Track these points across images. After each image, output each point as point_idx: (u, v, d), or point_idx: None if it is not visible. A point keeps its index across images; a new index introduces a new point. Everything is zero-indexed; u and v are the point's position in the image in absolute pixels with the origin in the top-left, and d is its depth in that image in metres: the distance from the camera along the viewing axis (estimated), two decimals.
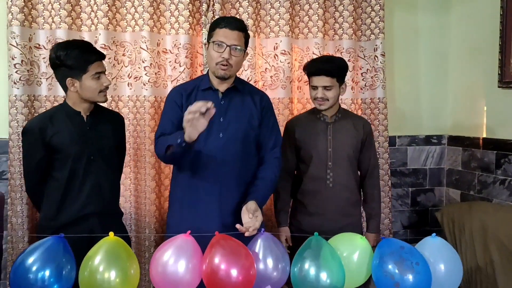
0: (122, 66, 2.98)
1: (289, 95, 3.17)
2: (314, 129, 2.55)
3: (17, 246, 2.79)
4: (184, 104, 2.15)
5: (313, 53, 3.15)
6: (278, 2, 3.12)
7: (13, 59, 2.75)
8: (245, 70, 3.08)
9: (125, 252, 1.69)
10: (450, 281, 1.81)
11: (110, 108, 2.88)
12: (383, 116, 3.33)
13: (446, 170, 3.70)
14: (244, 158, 2.18)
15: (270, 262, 1.77)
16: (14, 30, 2.73)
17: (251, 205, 2.02)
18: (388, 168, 3.37)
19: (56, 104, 2.76)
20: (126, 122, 2.95)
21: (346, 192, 2.54)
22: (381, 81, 3.32)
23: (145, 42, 2.93)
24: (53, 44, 2.18)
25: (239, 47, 2.11)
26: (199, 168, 2.14)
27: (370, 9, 3.30)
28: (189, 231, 1.73)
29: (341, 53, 3.26)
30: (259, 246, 1.80)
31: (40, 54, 2.83)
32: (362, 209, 2.71)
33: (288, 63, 3.15)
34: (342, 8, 3.24)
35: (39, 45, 2.83)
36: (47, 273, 1.58)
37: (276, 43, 3.16)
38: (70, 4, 2.83)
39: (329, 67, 2.45)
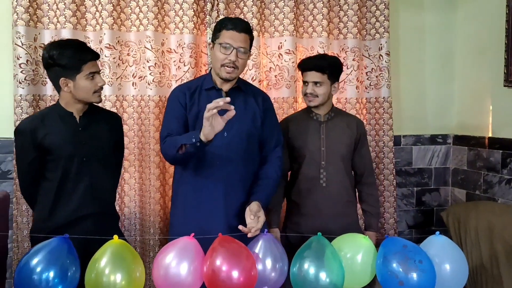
0: (127, 66, 2.98)
1: (293, 95, 3.17)
2: (307, 128, 2.54)
3: (22, 245, 2.81)
4: (188, 103, 2.16)
5: (318, 52, 3.13)
6: (283, 1, 3.12)
7: (18, 59, 2.76)
8: (250, 70, 3.08)
9: (130, 254, 1.70)
10: (455, 279, 1.80)
11: (112, 108, 2.90)
12: (388, 115, 3.32)
13: (452, 170, 3.69)
14: (248, 157, 2.19)
15: (269, 263, 1.78)
16: (19, 30, 2.75)
17: (253, 206, 2.02)
18: (393, 168, 3.35)
19: None
20: (131, 121, 2.97)
21: (341, 191, 2.51)
22: (386, 80, 3.30)
23: (150, 42, 2.93)
24: (45, 45, 2.13)
25: (245, 50, 2.11)
26: (204, 167, 2.14)
27: (375, 8, 3.29)
28: (192, 234, 1.73)
29: (345, 52, 3.25)
30: (259, 247, 1.81)
31: None
32: (359, 209, 2.69)
33: (293, 62, 3.14)
34: (347, 7, 3.24)
35: (44, 45, 2.83)
36: (51, 274, 1.59)
37: (281, 43, 3.16)
38: (75, 4, 2.84)
39: (320, 63, 2.45)
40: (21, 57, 2.76)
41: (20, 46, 2.75)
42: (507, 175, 3.13)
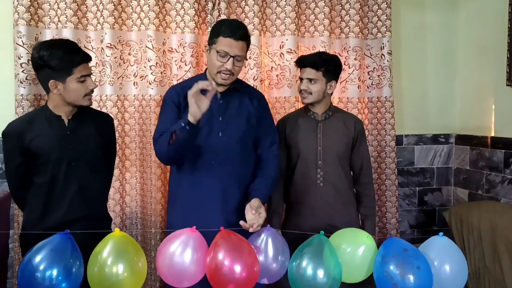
0: (128, 65, 2.98)
1: (295, 94, 3.16)
2: (304, 126, 2.51)
3: None
4: (182, 103, 2.14)
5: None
6: (284, 0, 3.11)
7: (19, 58, 2.76)
8: (251, 69, 3.08)
9: (132, 246, 1.70)
10: (455, 281, 1.79)
11: (114, 107, 2.90)
12: (390, 115, 3.31)
13: (454, 170, 3.67)
14: (244, 156, 2.19)
15: (270, 254, 1.82)
16: (21, 30, 2.74)
17: (254, 202, 2.02)
18: (395, 167, 3.34)
19: None
20: (132, 121, 2.97)
21: (338, 191, 2.48)
22: (388, 79, 3.29)
23: (151, 41, 2.93)
24: (35, 43, 2.05)
25: (242, 57, 2.10)
26: (200, 168, 2.14)
27: (377, 7, 3.28)
28: (194, 227, 1.74)
29: (347, 51, 3.24)
30: (262, 239, 1.85)
31: None
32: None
33: (294, 61, 3.12)
34: (349, 6, 3.23)
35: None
36: (54, 272, 1.58)
37: (282, 42, 3.15)
38: (76, 4, 2.84)
39: (314, 60, 2.42)
40: (22, 57, 2.76)
41: (21, 46, 2.74)
42: (509, 174, 3.12)
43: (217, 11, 3.02)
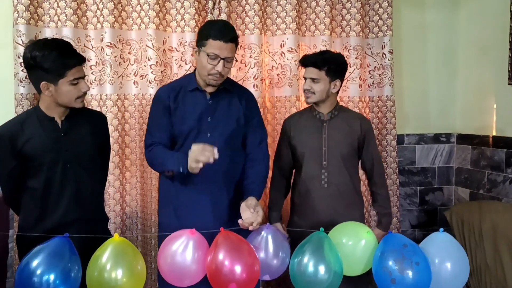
0: (128, 64, 2.97)
1: (296, 93, 3.15)
2: (309, 127, 2.48)
3: None
4: (172, 105, 2.17)
5: (315, 51, 3.12)
6: None
7: (19, 57, 2.74)
8: (252, 68, 3.07)
9: (131, 251, 1.70)
10: (456, 277, 1.78)
11: (114, 107, 2.89)
12: (391, 114, 3.30)
13: (455, 169, 3.66)
14: (232, 155, 2.21)
15: (271, 250, 1.85)
16: (20, 29, 2.73)
17: (251, 200, 2.04)
18: (396, 167, 3.33)
19: None
20: (132, 120, 2.96)
21: (343, 192, 2.44)
22: (389, 78, 3.28)
23: (151, 40, 2.92)
24: (28, 42, 1.98)
25: (232, 58, 2.12)
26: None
27: (378, 6, 3.27)
28: (194, 229, 1.75)
29: (348, 50, 3.23)
30: (262, 236, 1.88)
31: None
32: (366, 211, 2.65)
33: (295, 60, 3.12)
34: (350, 5, 3.22)
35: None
36: (52, 275, 1.57)
37: (283, 41, 3.14)
38: (75, 2, 2.83)
39: (316, 59, 2.40)
40: (21, 56, 2.73)
41: (20, 45, 2.73)
42: (511, 174, 3.11)
43: (218, 10, 3.01)
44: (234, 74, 3.09)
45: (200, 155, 1.89)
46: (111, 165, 2.88)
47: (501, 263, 2.68)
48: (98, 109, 2.88)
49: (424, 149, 3.63)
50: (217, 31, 2.05)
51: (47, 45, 1.94)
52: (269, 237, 1.90)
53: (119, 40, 2.92)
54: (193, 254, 1.71)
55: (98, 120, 2.21)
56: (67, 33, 2.82)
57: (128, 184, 2.99)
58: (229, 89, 2.23)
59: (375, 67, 3.32)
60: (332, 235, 1.88)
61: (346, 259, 1.80)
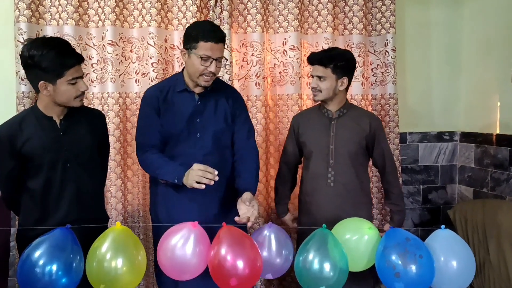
0: (130, 63, 2.96)
1: (298, 91, 3.14)
2: (317, 124, 2.47)
3: None
4: (161, 107, 2.21)
5: (323, 48, 3.09)
6: None
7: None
8: (254, 66, 3.06)
9: (131, 240, 1.69)
10: (463, 274, 1.77)
11: (115, 105, 2.88)
12: (394, 112, 3.29)
13: (459, 167, 3.65)
14: (222, 154, 2.26)
15: (274, 249, 1.84)
16: (21, 27, 2.72)
17: (246, 195, 2.06)
18: (399, 165, 3.32)
19: None
20: (134, 119, 2.95)
21: (348, 192, 2.41)
22: (392, 76, 3.27)
23: (153, 38, 2.91)
24: (26, 40, 1.97)
25: (222, 58, 2.16)
26: None
27: (381, 3, 3.25)
28: (197, 221, 1.75)
29: (351, 48, 3.21)
30: (264, 234, 1.87)
31: None
32: (373, 212, 2.64)
33: (297, 58, 3.11)
34: (352, 2, 3.20)
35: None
36: (54, 267, 1.56)
37: (285, 39, 3.13)
38: (77, 0, 2.82)
39: (322, 57, 2.38)
40: None
41: (22, 43, 2.72)
42: None
43: (219, 7, 2.99)
44: (236, 72, 3.08)
45: (202, 177, 1.94)
46: (112, 164, 2.88)
47: (504, 261, 2.67)
48: (99, 107, 2.87)
49: (427, 147, 3.62)
50: (206, 33, 2.08)
51: (46, 44, 1.91)
52: (272, 236, 1.89)
53: (121, 38, 2.91)
54: (194, 248, 1.71)
55: (97, 118, 2.20)
56: (68, 31, 2.81)
57: (130, 183, 2.99)
58: (216, 89, 2.26)
59: (377, 65, 3.30)
60: (334, 232, 1.88)
61: (349, 254, 1.80)
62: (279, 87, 3.17)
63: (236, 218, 1.96)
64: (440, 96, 3.61)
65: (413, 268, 1.68)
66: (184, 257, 1.71)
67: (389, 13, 3.24)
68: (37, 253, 1.58)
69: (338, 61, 2.36)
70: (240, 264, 1.65)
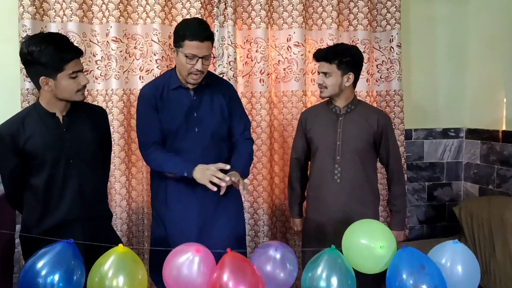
0: (134, 59, 2.96)
1: (302, 88, 3.12)
2: (324, 120, 2.46)
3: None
4: (158, 103, 2.25)
5: (327, 45, 3.08)
6: None
7: None
8: (258, 63, 3.04)
9: (133, 262, 1.66)
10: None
11: (119, 102, 2.88)
12: (399, 108, 3.27)
13: (464, 164, 3.62)
14: (219, 147, 2.31)
15: (278, 271, 1.75)
16: (26, 23, 2.72)
17: (230, 172, 2.11)
18: (404, 162, 3.30)
19: None
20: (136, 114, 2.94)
21: (355, 189, 2.40)
22: (397, 73, 3.25)
23: (157, 35, 2.90)
24: (24, 38, 1.98)
25: (209, 55, 2.18)
26: None
27: None
28: (200, 247, 1.69)
29: (356, 44, 3.19)
30: (269, 257, 1.76)
31: None
32: (382, 209, 2.61)
33: (302, 55, 3.10)
34: None
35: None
36: (56, 278, 1.55)
37: (289, 35, 3.11)
38: None
39: (326, 53, 2.36)
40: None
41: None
42: None
43: (224, 3, 2.98)
44: (241, 68, 3.07)
45: (214, 177, 2.03)
46: (117, 161, 2.88)
47: (510, 259, 2.65)
48: (104, 104, 2.87)
49: (432, 144, 3.60)
50: (192, 32, 2.11)
51: (44, 39, 1.92)
52: (277, 256, 1.78)
53: (125, 34, 2.90)
54: (197, 273, 1.63)
55: (98, 115, 2.20)
56: (72, 28, 2.81)
57: (134, 180, 2.98)
58: (211, 83, 2.31)
59: (383, 61, 3.28)
60: (344, 251, 1.81)
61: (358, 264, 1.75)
62: (283, 83, 3.15)
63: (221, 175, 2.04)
64: (445, 92, 3.59)
65: None
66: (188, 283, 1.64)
67: (395, 9, 3.22)
68: (38, 266, 1.57)
69: (343, 57, 2.34)
70: None
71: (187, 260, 1.65)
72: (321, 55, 2.38)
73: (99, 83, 2.89)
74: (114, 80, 2.88)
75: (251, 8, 3.05)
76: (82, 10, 2.83)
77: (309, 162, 2.63)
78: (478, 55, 3.49)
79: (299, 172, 2.61)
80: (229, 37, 2.97)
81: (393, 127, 3.21)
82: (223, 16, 2.98)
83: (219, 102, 2.31)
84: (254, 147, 2.77)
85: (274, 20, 3.13)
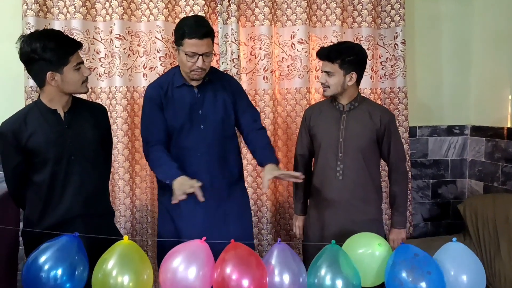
0: (137, 57, 2.95)
1: (306, 85, 3.11)
2: (327, 117, 2.44)
3: None
4: (163, 101, 2.27)
5: (331, 42, 3.08)
6: None
7: None
8: (262, 60, 3.04)
9: (138, 256, 1.66)
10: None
11: (123, 99, 2.88)
12: (403, 106, 3.25)
13: (469, 161, 3.61)
14: (224, 143, 2.33)
15: (286, 278, 1.69)
16: (29, 21, 2.73)
17: (268, 167, 2.15)
18: (408, 160, 3.29)
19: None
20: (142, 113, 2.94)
21: (356, 186, 2.38)
22: (402, 70, 3.23)
23: (160, 32, 2.90)
24: (20, 38, 1.99)
25: (210, 52, 2.19)
26: (187, 159, 2.27)
27: None
28: (204, 238, 1.71)
29: (360, 41, 3.18)
30: (274, 258, 1.73)
31: None
32: (387, 207, 2.60)
33: (306, 52, 3.08)
34: None
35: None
36: (59, 271, 1.56)
37: (293, 32, 3.10)
38: None
39: (328, 52, 2.34)
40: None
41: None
42: None
43: (227, 1, 2.97)
44: (244, 66, 3.06)
45: (187, 188, 2.00)
46: (121, 158, 2.88)
47: None
48: (107, 101, 2.87)
49: (437, 141, 3.58)
50: (191, 30, 2.12)
51: (43, 35, 1.95)
52: (282, 259, 1.74)
53: (128, 32, 2.90)
54: (197, 271, 1.62)
55: (99, 112, 2.21)
56: (76, 25, 2.81)
57: (138, 177, 2.99)
58: (213, 79, 2.32)
59: (387, 58, 3.26)
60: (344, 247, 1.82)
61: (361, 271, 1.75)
62: (287, 81, 3.14)
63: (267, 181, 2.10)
64: (450, 89, 3.57)
65: (422, 284, 1.63)
66: (186, 279, 1.62)
67: (399, 6, 3.20)
68: (42, 258, 1.58)
69: (345, 56, 2.31)
70: (245, 283, 1.58)
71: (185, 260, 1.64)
72: (323, 54, 2.36)
73: (102, 81, 2.89)
74: (117, 78, 2.88)
75: (254, 5, 3.04)
76: (85, 8, 2.83)
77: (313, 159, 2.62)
78: (483, 52, 3.47)
79: (303, 168, 2.58)
80: (233, 34, 2.96)
81: (397, 124, 3.21)
82: (226, 13, 2.97)
83: (222, 98, 2.32)
84: None
85: (277, 17, 3.12)
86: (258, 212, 3.12)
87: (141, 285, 1.62)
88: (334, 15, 3.11)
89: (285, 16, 3.11)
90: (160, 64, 2.91)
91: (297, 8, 3.06)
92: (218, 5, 2.99)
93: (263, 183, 2.12)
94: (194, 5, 2.92)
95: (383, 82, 3.28)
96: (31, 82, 2.75)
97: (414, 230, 3.46)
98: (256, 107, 3.03)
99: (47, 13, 2.81)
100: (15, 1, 2.81)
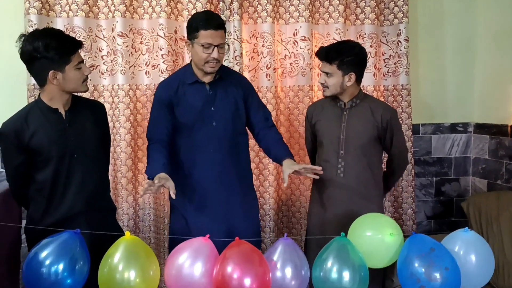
0: (140, 54, 2.95)
1: (309, 82, 3.11)
2: (329, 114, 2.45)
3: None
4: (173, 99, 2.30)
5: (334, 39, 3.07)
6: None
7: None
8: (264, 57, 3.03)
9: (144, 251, 1.66)
10: (481, 275, 1.72)
11: (125, 97, 2.88)
12: (407, 103, 3.24)
13: (472, 159, 3.59)
14: (235, 140, 2.37)
15: (289, 271, 1.70)
16: (32, 19, 2.73)
17: (286, 162, 2.22)
18: (412, 157, 3.28)
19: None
20: (144, 111, 2.95)
21: (358, 183, 2.38)
22: (405, 67, 3.22)
23: (163, 30, 2.89)
24: (20, 37, 2.01)
25: (224, 44, 2.25)
26: (198, 155, 2.31)
27: None
28: (208, 235, 1.72)
29: (363, 38, 3.17)
30: (278, 253, 1.74)
31: None
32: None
33: (308, 49, 3.07)
34: None
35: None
36: (60, 266, 1.56)
37: (296, 29, 3.09)
38: None
39: (327, 52, 2.34)
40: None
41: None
42: None
43: None
44: (247, 63, 3.05)
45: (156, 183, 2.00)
46: (123, 156, 2.88)
47: None
48: (110, 99, 2.88)
49: (440, 139, 3.57)
50: (206, 22, 2.18)
51: (44, 34, 1.97)
52: (286, 255, 1.75)
53: (131, 29, 2.90)
54: (201, 269, 1.63)
55: (98, 109, 2.24)
56: (78, 23, 2.81)
57: (140, 175, 2.98)
58: (224, 77, 2.36)
59: (390, 55, 3.25)
60: (352, 236, 1.81)
61: (366, 258, 1.74)
62: (289, 78, 3.14)
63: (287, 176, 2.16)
64: (453, 86, 3.55)
65: (439, 281, 1.61)
66: (192, 278, 1.63)
67: (402, 2, 3.19)
68: (43, 254, 1.58)
69: (344, 57, 2.30)
70: (247, 281, 1.58)
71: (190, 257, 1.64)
72: (322, 55, 2.37)
73: (105, 78, 2.89)
74: (120, 75, 2.88)
75: (257, 3, 3.03)
76: (88, 5, 2.82)
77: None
78: (486, 49, 3.45)
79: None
80: (235, 32, 2.96)
81: (400, 121, 3.21)
82: (229, 10, 2.97)
83: (233, 95, 2.36)
84: None
85: (280, 15, 3.11)
86: (261, 210, 3.11)
87: (148, 280, 1.63)
88: (337, 12, 3.10)
89: (288, 13, 3.10)
90: (163, 62, 2.90)
91: (299, 5, 3.05)
92: (221, 3, 2.98)
93: (283, 178, 2.17)
94: (196, 3, 2.92)
95: (386, 80, 3.27)
96: (34, 80, 2.73)
97: (417, 228, 3.45)
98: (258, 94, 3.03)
99: (50, 11, 2.81)
100: None
